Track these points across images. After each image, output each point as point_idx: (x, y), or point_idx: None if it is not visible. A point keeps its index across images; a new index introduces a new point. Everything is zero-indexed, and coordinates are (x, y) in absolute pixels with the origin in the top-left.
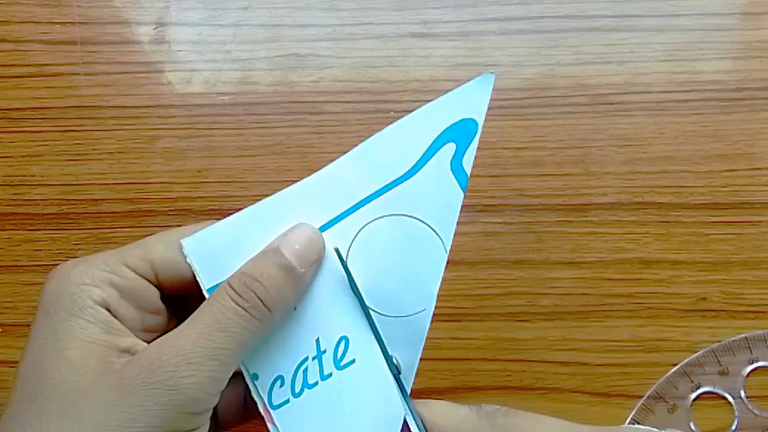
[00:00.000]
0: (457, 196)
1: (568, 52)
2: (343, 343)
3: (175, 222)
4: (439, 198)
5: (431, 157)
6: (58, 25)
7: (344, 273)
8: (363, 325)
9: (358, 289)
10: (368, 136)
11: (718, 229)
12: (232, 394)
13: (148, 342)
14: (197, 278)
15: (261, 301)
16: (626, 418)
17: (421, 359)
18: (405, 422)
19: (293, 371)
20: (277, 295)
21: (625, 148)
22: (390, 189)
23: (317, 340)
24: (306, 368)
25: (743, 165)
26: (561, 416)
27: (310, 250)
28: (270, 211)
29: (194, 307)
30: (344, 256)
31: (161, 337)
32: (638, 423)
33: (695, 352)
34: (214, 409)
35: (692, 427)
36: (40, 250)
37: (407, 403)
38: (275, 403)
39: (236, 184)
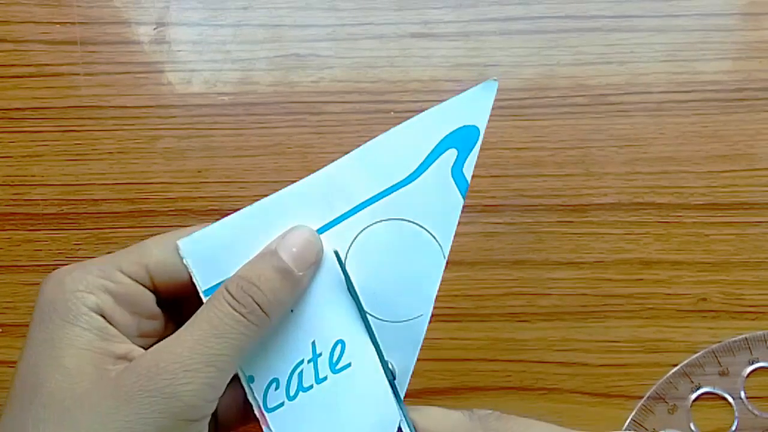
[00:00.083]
0: (457, 203)
1: (569, 52)
2: (339, 347)
3: (175, 222)
4: (439, 204)
5: (432, 163)
6: (58, 25)
7: (343, 276)
8: (359, 329)
9: (356, 293)
10: (368, 137)
11: (718, 229)
12: (232, 395)
13: (144, 347)
14: (194, 280)
15: (259, 306)
16: (626, 419)
17: (420, 359)
18: (400, 427)
19: (288, 374)
20: (275, 299)
21: (626, 148)
22: (390, 193)
23: (313, 343)
24: (301, 371)
25: (743, 165)
26: (561, 416)
27: (308, 253)
28: (268, 212)
29: (191, 311)
30: (343, 260)
31: (158, 344)
32: (638, 423)
33: (695, 352)
34: (215, 411)
35: (692, 427)
36: (40, 250)
37: (402, 409)
38: (270, 405)
39: (236, 185)
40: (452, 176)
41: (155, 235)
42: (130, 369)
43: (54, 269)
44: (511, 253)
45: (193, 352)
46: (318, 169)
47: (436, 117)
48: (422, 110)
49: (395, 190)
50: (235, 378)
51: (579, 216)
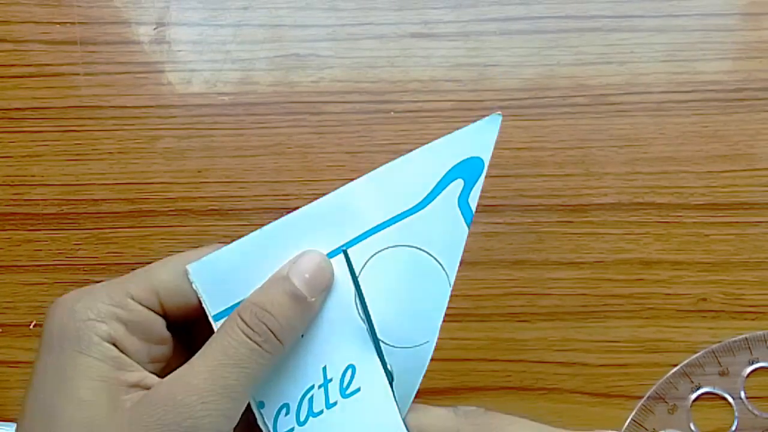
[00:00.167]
0: (462, 232)
1: (569, 52)
2: (349, 372)
3: (175, 222)
4: (446, 232)
5: (440, 192)
6: (58, 25)
7: (355, 292)
8: (369, 353)
9: (368, 310)
10: (368, 136)
11: (718, 229)
12: (243, 420)
13: (155, 372)
14: (203, 305)
15: (272, 333)
16: (626, 419)
17: None
18: None
19: (299, 399)
20: (288, 326)
21: (626, 148)
22: (399, 220)
23: (324, 369)
24: (312, 396)
25: (743, 165)
26: (561, 416)
27: (320, 279)
28: (277, 235)
29: (199, 333)
30: (356, 273)
31: (172, 374)
32: (638, 423)
33: (695, 352)
34: None
35: (692, 427)
36: (40, 250)
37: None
38: (280, 431)
39: (236, 185)
40: (459, 206)
41: (155, 235)
42: (146, 401)
43: (54, 269)
44: (511, 253)
45: (209, 383)
46: (318, 170)
47: (444, 148)
48: (422, 110)
49: (404, 218)
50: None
51: (579, 216)
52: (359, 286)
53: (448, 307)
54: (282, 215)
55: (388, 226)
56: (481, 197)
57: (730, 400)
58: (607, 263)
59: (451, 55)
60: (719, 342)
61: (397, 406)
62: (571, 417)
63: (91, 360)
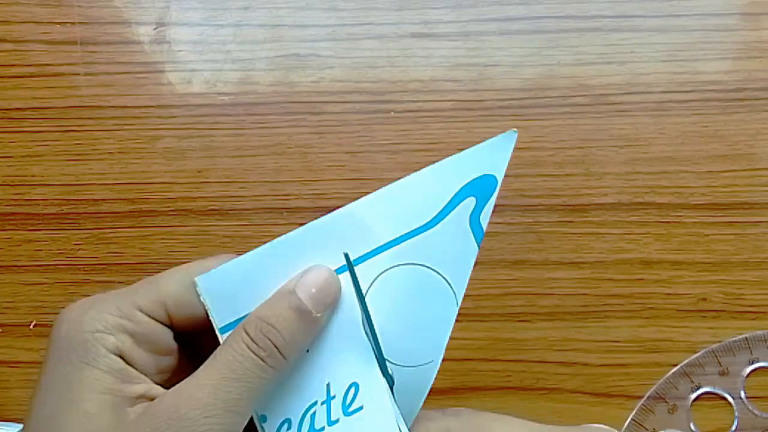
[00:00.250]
0: (472, 251)
1: (569, 52)
2: (353, 389)
3: (175, 222)
4: (456, 251)
5: (452, 210)
6: (58, 25)
7: (360, 310)
8: (373, 371)
9: (373, 328)
10: (368, 136)
11: (719, 229)
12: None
13: (161, 382)
14: (210, 317)
15: (277, 348)
16: (626, 419)
17: None
18: None
19: (301, 415)
20: (293, 341)
21: (626, 148)
22: (410, 237)
23: (328, 385)
24: (314, 413)
25: (743, 165)
26: (561, 416)
27: (327, 294)
28: (285, 250)
29: (206, 343)
30: (361, 289)
31: (176, 387)
32: (638, 423)
33: (695, 352)
34: None
35: (692, 427)
36: (40, 250)
37: None
38: None
39: (236, 184)
40: (470, 224)
41: (155, 235)
42: (149, 414)
43: (54, 269)
44: (511, 253)
45: (213, 396)
46: (319, 171)
47: (456, 165)
48: (422, 110)
49: (415, 235)
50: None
51: (579, 216)
52: (365, 303)
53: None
54: (282, 215)
55: (398, 243)
56: None
57: (730, 400)
58: (607, 263)
59: (451, 55)
60: (719, 342)
61: (399, 427)
62: (571, 417)
63: (97, 372)
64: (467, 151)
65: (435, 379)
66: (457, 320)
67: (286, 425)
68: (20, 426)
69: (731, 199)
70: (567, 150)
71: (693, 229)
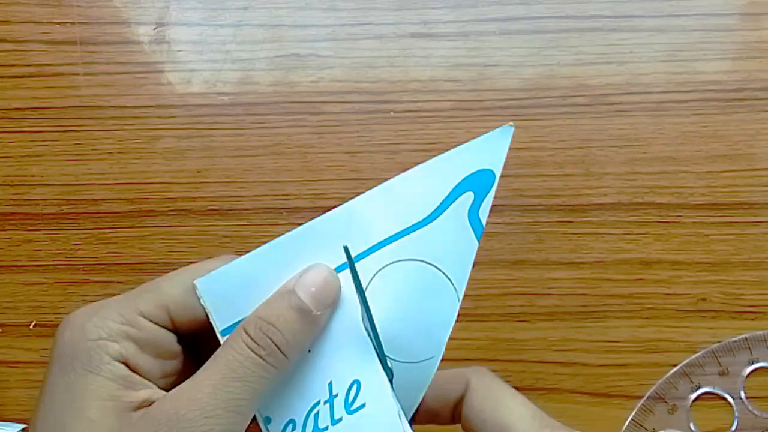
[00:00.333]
0: (472, 246)
1: (569, 52)
2: (354, 387)
3: (175, 222)
4: (456, 246)
5: (450, 205)
6: (58, 25)
7: (361, 307)
8: (375, 368)
9: (374, 325)
10: (368, 136)
11: (718, 229)
12: None
13: (165, 386)
14: (211, 320)
15: (278, 347)
16: (626, 419)
17: None
18: None
19: (305, 415)
20: (293, 341)
21: (625, 148)
22: (408, 233)
23: (330, 384)
24: (317, 412)
25: (743, 165)
26: (561, 417)
27: (327, 292)
28: (284, 250)
29: (210, 345)
30: (362, 286)
31: (176, 389)
32: (638, 423)
33: (695, 352)
34: None
35: (692, 427)
36: (40, 250)
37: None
38: None
39: (236, 184)
40: (469, 219)
41: (155, 235)
42: (150, 416)
43: (54, 269)
44: (511, 253)
45: (213, 397)
46: (318, 170)
47: (454, 160)
48: (422, 110)
49: (413, 231)
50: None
51: (579, 216)
52: (366, 300)
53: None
54: (281, 215)
55: (397, 239)
56: None
57: (730, 400)
58: (607, 263)
59: (451, 55)
60: (719, 342)
61: (401, 421)
62: (571, 417)
63: (101, 379)
64: (464, 146)
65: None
66: (456, 320)
67: (290, 426)
68: (20, 426)
69: (731, 199)
70: (567, 150)
71: (693, 229)
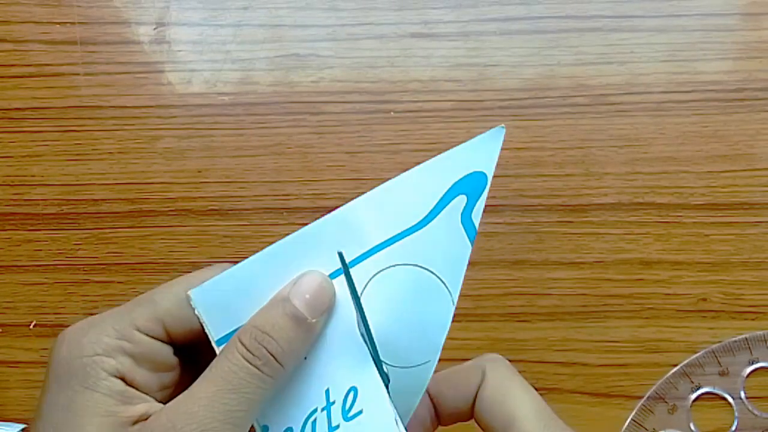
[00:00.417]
0: (466, 249)
1: (569, 52)
2: (351, 394)
3: (175, 222)
4: (449, 250)
5: (443, 209)
6: (58, 25)
7: (357, 313)
8: (372, 374)
9: (370, 331)
10: (368, 136)
11: (718, 229)
12: None
13: (164, 398)
14: (206, 330)
15: (273, 356)
16: (626, 419)
17: None
18: None
19: (302, 423)
20: (289, 349)
21: (626, 148)
22: (402, 238)
23: (327, 391)
24: (315, 420)
25: (743, 165)
26: (561, 417)
27: (321, 299)
28: (278, 257)
29: (207, 355)
30: (357, 292)
31: (172, 402)
32: (638, 423)
33: (695, 352)
34: None
35: (692, 427)
36: (40, 250)
37: None
38: None
39: (236, 184)
40: (462, 222)
41: (155, 235)
42: (146, 430)
43: (54, 269)
44: (511, 253)
45: (209, 410)
46: (318, 170)
47: (445, 163)
48: (422, 110)
49: (407, 236)
50: None
51: (579, 216)
52: (361, 306)
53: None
54: (282, 215)
55: (390, 244)
56: None
57: (730, 400)
58: (607, 263)
59: (451, 55)
60: (719, 342)
61: (398, 427)
62: (571, 417)
63: (98, 396)
64: (456, 148)
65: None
66: (456, 320)
67: None
68: (20, 426)
69: (731, 199)
70: (567, 150)
71: (693, 229)
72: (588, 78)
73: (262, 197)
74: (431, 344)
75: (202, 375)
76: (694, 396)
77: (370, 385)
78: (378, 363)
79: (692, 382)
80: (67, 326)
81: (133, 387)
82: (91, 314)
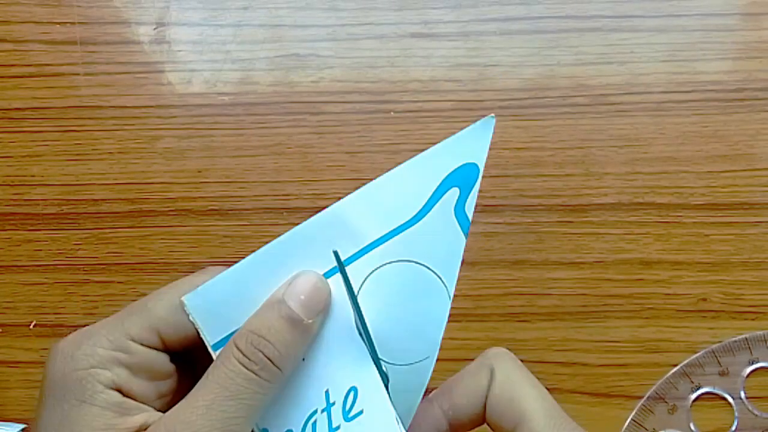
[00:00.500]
0: (460, 242)
1: (569, 52)
2: (351, 394)
3: (175, 222)
4: (444, 244)
5: (436, 203)
6: (58, 25)
7: (354, 313)
8: (371, 374)
9: (367, 329)
10: (368, 136)
11: (718, 229)
12: None
13: (162, 407)
14: (201, 335)
15: (270, 360)
16: (626, 419)
17: None
18: None
19: (303, 424)
20: (286, 352)
21: (626, 148)
22: (396, 234)
23: (326, 392)
24: (315, 421)
25: (743, 165)
26: None
27: (317, 300)
28: (272, 258)
29: (204, 359)
30: (354, 291)
31: (170, 412)
32: (638, 423)
33: (695, 352)
34: None
35: (692, 427)
36: (40, 250)
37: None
38: None
39: (236, 184)
40: (455, 215)
41: (155, 235)
42: None
43: (54, 269)
44: (511, 253)
45: (207, 418)
46: (318, 170)
47: (437, 156)
48: (422, 110)
49: (401, 231)
50: None
51: (579, 216)
52: (357, 302)
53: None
54: (282, 215)
55: (385, 241)
56: (480, 197)
57: (730, 400)
58: (607, 263)
59: (451, 55)
60: (719, 342)
61: (400, 426)
62: (571, 417)
63: (95, 409)
64: (446, 141)
65: (433, 378)
66: (456, 320)
67: None
68: (20, 426)
69: (731, 199)
70: (567, 150)
71: (693, 229)
72: (588, 78)
73: (262, 197)
74: (430, 340)
75: (199, 382)
76: (694, 396)
77: (370, 384)
78: (377, 362)
79: (692, 382)
80: (67, 326)
81: (130, 397)
82: (91, 314)
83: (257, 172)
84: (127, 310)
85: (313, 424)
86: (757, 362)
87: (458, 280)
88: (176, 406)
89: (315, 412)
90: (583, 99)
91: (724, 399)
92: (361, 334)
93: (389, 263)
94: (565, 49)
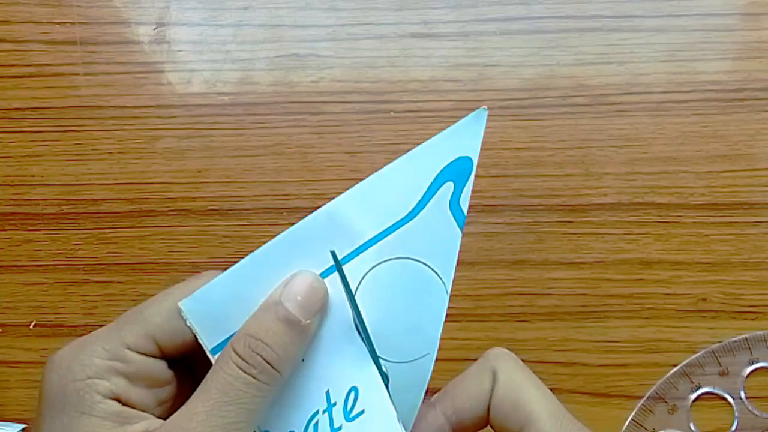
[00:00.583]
0: (456, 237)
1: (569, 52)
2: (352, 394)
3: (175, 222)
4: (440, 239)
5: (431, 198)
6: (58, 25)
7: (352, 312)
8: (371, 373)
9: (366, 328)
10: (368, 136)
11: (718, 229)
12: None
13: (162, 414)
14: (199, 340)
15: (269, 363)
16: (626, 419)
17: None
18: None
19: (304, 426)
20: (284, 354)
21: (626, 148)
22: (392, 231)
23: (327, 393)
24: (317, 422)
25: (743, 165)
26: None
27: (314, 300)
28: (267, 259)
29: (203, 364)
30: (351, 290)
31: (170, 419)
32: (638, 423)
33: (695, 352)
34: None
35: (692, 427)
36: (40, 250)
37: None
38: None
39: (236, 184)
40: (450, 210)
41: (155, 235)
42: None
43: (54, 269)
44: (511, 253)
45: (207, 425)
46: (318, 170)
47: (430, 151)
48: (422, 110)
49: (397, 228)
50: None
51: (579, 216)
52: (355, 301)
53: (448, 307)
54: (281, 215)
55: (382, 238)
56: (480, 197)
57: (730, 400)
58: (607, 263)
59: (451, 55)
60: (719, 342)
61: (401, 425)
62: None
63: (95, 420)
64: (439, 135)
65: (433, 378)
66: (456, 320)
67: None
68: (20, 426)
69: (731, 199)
70: (567, 150)
71: (693, 229)
72: (588, 78)
73: (262, 197)
74: (429, 336)
75: (198, 387)
76: (694, 396)
77: (371, 384)
78: (376, 361)
79: (692, 382)
80: (67, 326)
81: (129, 406)
82: (91, 314)
83: (257, 172)
84: (122, 319)
85: (315, 425)
86: (757, 362)
87: (458, 280)
88: (176, 413)
89: (317, 413)
90: (582, 99)
91: (724, 399)
92: (359, 333)
93: (386, 261)
94: (564, 49)
